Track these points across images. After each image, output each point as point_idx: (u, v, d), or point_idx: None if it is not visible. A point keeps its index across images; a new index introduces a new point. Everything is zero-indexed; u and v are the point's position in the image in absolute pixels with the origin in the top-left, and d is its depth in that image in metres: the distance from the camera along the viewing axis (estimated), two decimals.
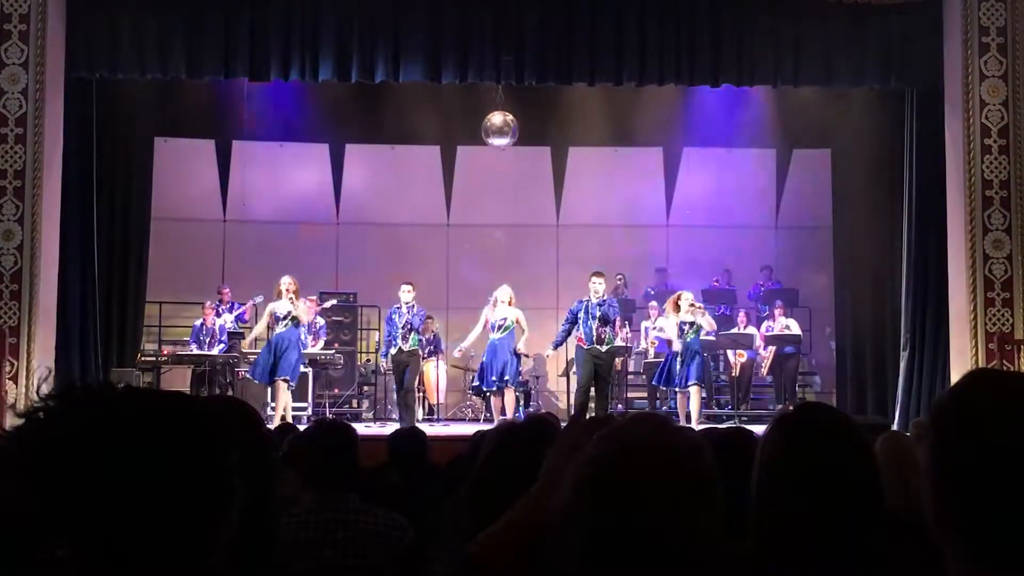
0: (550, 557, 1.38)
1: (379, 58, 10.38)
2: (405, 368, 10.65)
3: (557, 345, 10.84)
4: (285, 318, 10.43)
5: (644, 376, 12.86)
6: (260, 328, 11.32)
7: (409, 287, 10.88)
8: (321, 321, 12.08)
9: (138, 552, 0.96)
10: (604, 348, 10.26)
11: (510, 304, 10.74)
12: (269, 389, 10.63)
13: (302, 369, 11.48)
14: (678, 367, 10.70)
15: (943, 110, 10.48)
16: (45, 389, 1.01)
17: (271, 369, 10.33)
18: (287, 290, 10.43)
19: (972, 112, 10.25)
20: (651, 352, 12.27)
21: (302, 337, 11.03)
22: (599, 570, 1.24)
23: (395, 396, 11.21)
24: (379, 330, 12.21)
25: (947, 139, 10.44)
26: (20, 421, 1.02)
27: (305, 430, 3.92)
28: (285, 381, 10.33)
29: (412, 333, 10.70)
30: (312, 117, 13.16)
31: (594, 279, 10.43)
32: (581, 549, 1.25)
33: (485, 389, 10.93)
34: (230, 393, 10.36)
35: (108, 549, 0.95)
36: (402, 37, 10.39)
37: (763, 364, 12.57)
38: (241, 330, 12.12)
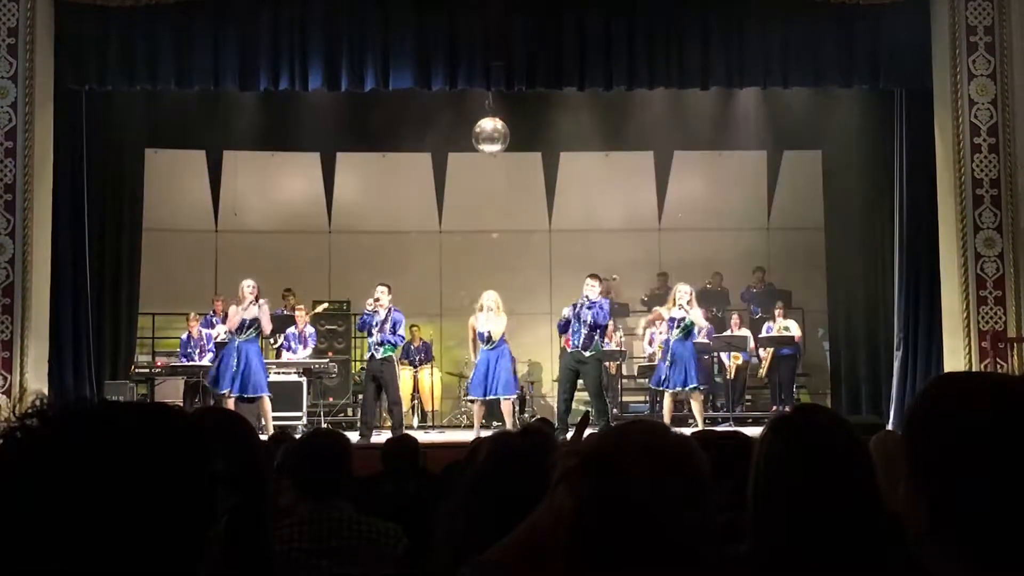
0: (549, 554, 1.38)
1: (368, 66, 10.38)
2: (376, 379, 10.11)
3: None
4: (251, 326, 10.24)
5: (643, 380, 12.81)
6: (222, 330, 11.22)
7: (384, 288, 10.33)
8: (311, 328, 12.01)
9: (118, 564, 0.95)
10: (588, 353, 9.93)
11: (498, 311, 10.42)
12: (233, 401, 10.04)
13: (296, 378, 11.45)
14: (666, 370, 10.45)
15: (932, 109, 10.50)
16: (20, 409, 1.01)
17: (241, 384, 10.08)
18: (251, 294, 10.25)
19: (961, 111, 10.28)
20: (658, 355, 12.12)
21: (292, 345, 10.93)
22: (588, 565, 1.23)
23: (363, 407, 10.52)
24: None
25: (937, 138, 10.46)
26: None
27: (298, 439, 3.91)
28: (269, 398, 10.31)
29: (386, 342, 10.12)
30: (303, 126, 13.13)
31: (587, 281, 10.23)
32: (569, 543, 1.24)
33: (473, 398, 10.50)
34: (224, 404, 10.30)
35: (88, 561, 0.94)
36: (391, 45, 10.39)
37: (762, 366, 12.57)
38: None
